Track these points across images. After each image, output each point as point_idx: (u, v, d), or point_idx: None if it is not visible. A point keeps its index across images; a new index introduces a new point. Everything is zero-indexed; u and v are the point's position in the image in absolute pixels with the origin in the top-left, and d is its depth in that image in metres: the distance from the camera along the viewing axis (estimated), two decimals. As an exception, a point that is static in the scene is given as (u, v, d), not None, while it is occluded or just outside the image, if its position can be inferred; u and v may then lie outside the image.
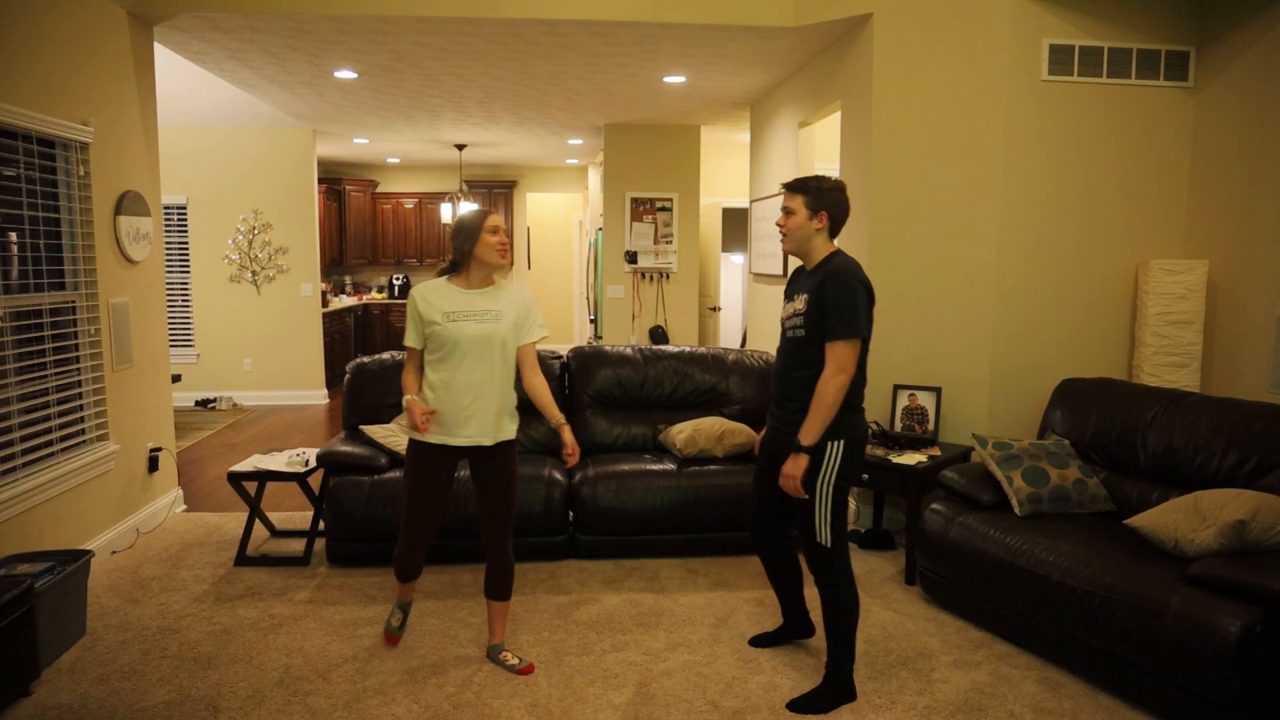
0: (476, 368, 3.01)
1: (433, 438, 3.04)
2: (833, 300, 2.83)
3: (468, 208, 10.40)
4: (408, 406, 3.01)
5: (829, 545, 2.88)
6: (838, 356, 2.80)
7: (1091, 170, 4.55)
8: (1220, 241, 4.42)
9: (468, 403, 3.02)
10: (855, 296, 2.83)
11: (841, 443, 2.85)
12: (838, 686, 2.95)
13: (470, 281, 3.07)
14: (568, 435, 3.13)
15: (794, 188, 2.95)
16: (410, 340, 3.09)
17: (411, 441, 3.11)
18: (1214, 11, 4.42)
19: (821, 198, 2.92)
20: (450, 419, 3.03)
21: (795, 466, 2.83)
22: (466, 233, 3.03)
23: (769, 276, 6.49)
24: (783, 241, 3.01)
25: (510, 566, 3.19)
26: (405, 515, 3.16)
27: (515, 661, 3.18)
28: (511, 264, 3.45)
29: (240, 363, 8.70)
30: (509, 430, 3.13)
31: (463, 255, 3.04)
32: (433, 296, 3.04)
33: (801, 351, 2.92)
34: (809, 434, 2.81)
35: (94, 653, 3.29)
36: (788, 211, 2.96)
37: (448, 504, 3.25)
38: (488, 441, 3.06)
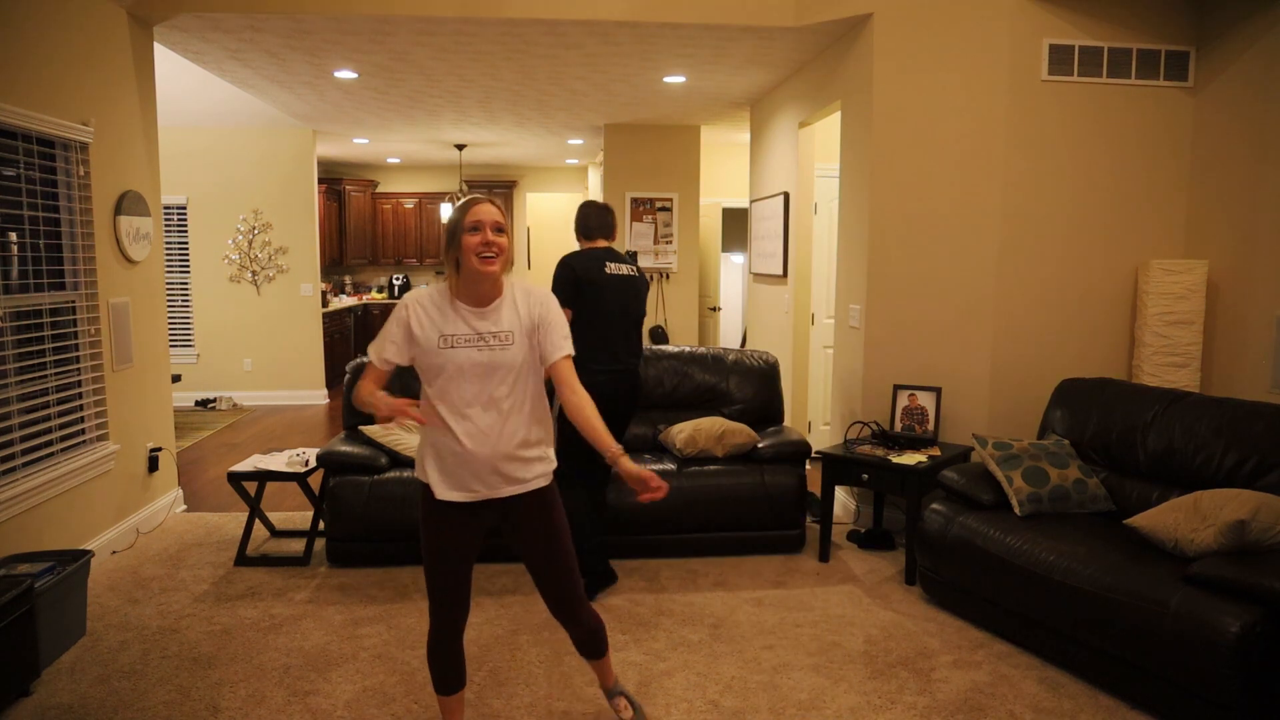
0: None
1: (445, 491, 2.38)
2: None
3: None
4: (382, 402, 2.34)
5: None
6: None
7: (1091, 170, 4.55)
8: (1220, 241, 4.42)
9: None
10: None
11: None
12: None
13: (464, 295, 2.36)
14: (628, 466, 2.32)
15: None
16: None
17: (423, 487, 2.43)
18: (1214, 11, 4.42)
19: None
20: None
21: None
22: (449, 231, 2.35)
23: (769, 276, 6.49)
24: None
25: (596, 629, 2.60)
26: (430, 595, 2.45)
27: (630, 715, 2.76)
28: (505, 268, 2.47)
29: (240, 363, 8.70)
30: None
31: (449, 262, 2.36)
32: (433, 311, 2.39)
33: None
34: None
35: (94, 653, 3.29)
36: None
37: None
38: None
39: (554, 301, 2.45)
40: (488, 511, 2.42)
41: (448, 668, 2.48)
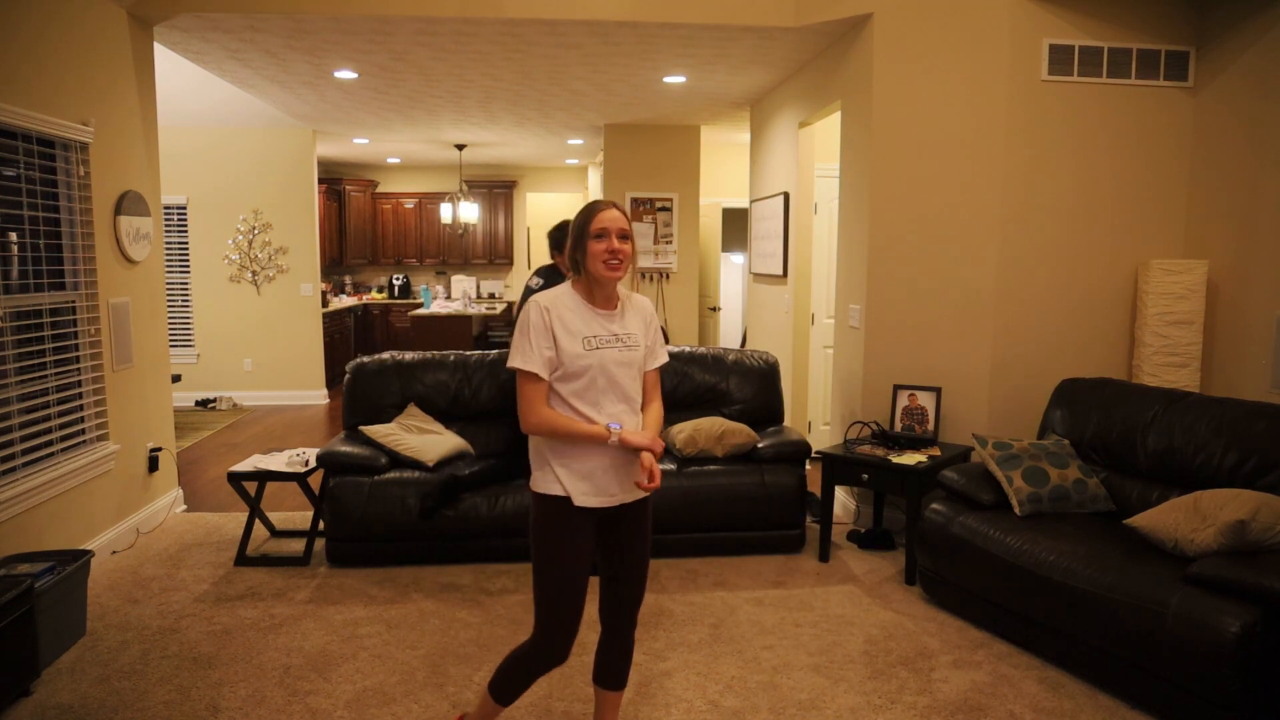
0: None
1: (585, 498, 2.31)
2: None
3: (467, 207, 10.47)
4: (626, 438, 2.29)
5: None
6: None
7: (1091, 170, 4.55)
8: (1220, 241, 4.42)
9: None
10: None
11: None
12: None
13: (594, 298, 2.36)
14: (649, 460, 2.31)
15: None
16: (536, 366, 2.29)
17: (549, 501, 2.31)
18: (1214, 11, 4.42)
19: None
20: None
21: None
22: (575, 235, 2.35)
23: (769, 276, 6.49)
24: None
25: (631, 649, 2.53)
26: (551, 605, 2.31)
27: None
28: (624, 275, 2.39)
29: (240, 363, 8.70)
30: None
31: (576, 265, 2.35)
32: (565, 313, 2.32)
33: None
34: None
35: (94, 653, 3.29)
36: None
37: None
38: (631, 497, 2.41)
39: (654, 311, 2.52)
40: (604, 518, 2.39)
41: (526, 687, 2.41)
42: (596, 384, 2.30)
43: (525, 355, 2.27)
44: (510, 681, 2.40)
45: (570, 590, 2.30)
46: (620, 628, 2.47)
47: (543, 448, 2.34)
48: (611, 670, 2.51)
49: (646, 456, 2.29)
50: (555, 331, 2.28)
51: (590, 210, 2.33)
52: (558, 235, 4.40)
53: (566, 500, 2.29)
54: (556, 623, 2.31)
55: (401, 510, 4.11)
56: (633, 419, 2.37)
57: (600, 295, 2.36)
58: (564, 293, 2.35)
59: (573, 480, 2.30)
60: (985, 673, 3.18)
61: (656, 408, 2.47)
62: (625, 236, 2.31)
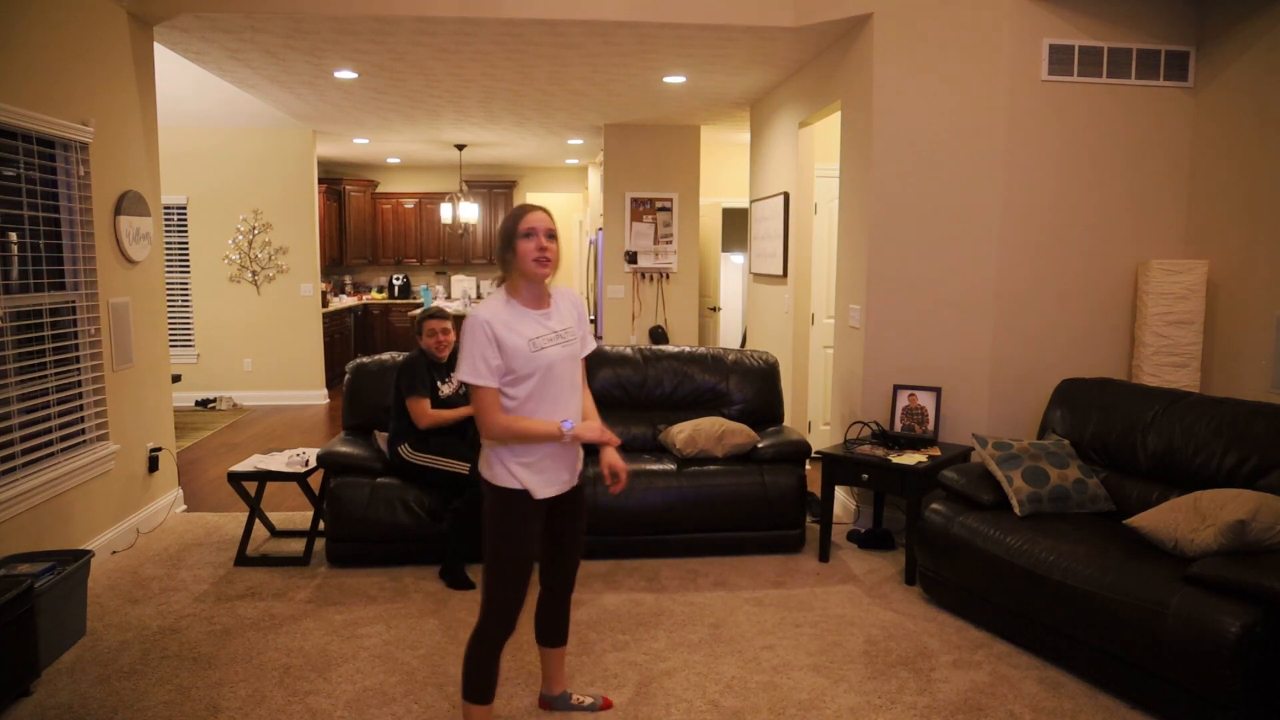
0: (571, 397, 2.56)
1: (544, 490, 2.50)
2: None
3: (467, 207, 10.47)
4: (579, 434, 2.49)
5: None
6: None
7: (1091, 170, 4.54)
8: (1220, 241, 4.42)
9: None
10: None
11: None
12: None
13: (526, 299, 2.49)
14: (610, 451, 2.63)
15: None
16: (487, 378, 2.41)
17: (508, 494, 2.47)
18: (1214, 11, 4.42)
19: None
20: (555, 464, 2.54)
21: None
22: (503, 237, 2.48)
23: (769, 276, 6.49)
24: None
25: (569, 607, 2.82)
26: (504, 590, 2.47)
27: (591, 700, 2.89)
28: (552, 273, 2.58)
29: (240, 363, 8.70)
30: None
31: (505, 265, 2.48)
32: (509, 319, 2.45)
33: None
34: None
35: (94, 653, 3.29)
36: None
37: None
38: (576, 481, 2.64)
39: (581, 297, 2.65)
40: (553, 504, 2.58)
41: (495, 673, 2.51)
42: (547, 381, 2.46)
43: (474, 368, 2.39)
44: (478, 673, 2.48)
45: (525, 571, 2.49)
46: (563, 589, 2.75)
47: (496, 446, 2.48)
48: (558, 628, 2.79)
49: (611, 458, 2.61)
50: (500, 340, 2.39)
51: (518, 213, 2.46)
52: None
53: (525, 493, 2.47)
54: (511, 600, 2.47)
55: (401, 511, 4.12)
56: (580, 414, 2.59)
57: (531, 295, 2.49)
58: (499, 303, 2.46)
59: (528, 475, 2.47)
60: (985, 673, 3.18)
61: (588, 395, 2.70)
62: (552, 236, 2.46)
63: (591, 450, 2.84)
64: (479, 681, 2.47)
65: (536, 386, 2.44)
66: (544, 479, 2.49)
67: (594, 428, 2.53)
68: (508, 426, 2.41)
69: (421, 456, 4.12)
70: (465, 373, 2.39)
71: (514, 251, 2.43)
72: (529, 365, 2.41)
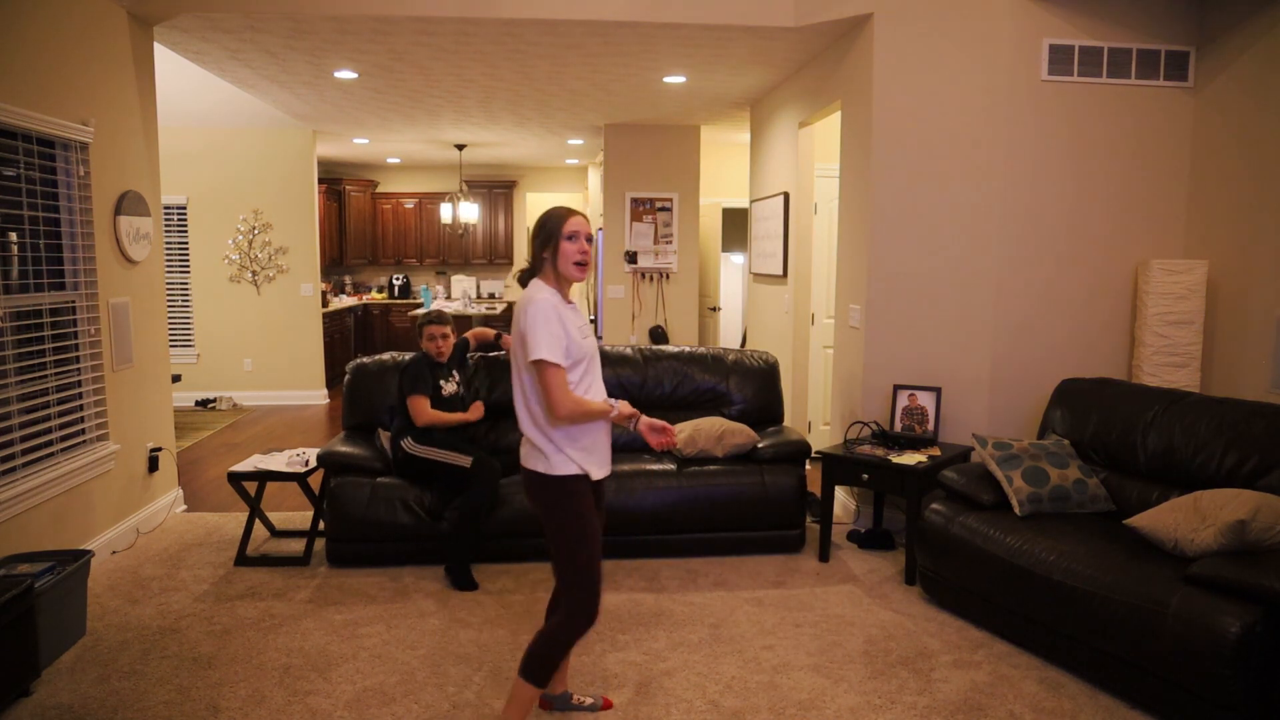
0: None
1: (599, 471, 2.63)
2: None
3: (467, 207, 10.47)
4: (623, 410, 2.60)
5: None
6: None
7: (1091, 170, 4.54)
8: (1220, 241, 4.42)
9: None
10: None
11: None
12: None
13: (564, 295, 2.62)
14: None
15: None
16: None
17: (570, 480, 2.53)
18: (1214, 11, 4.42)
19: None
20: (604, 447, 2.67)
21: None
22: (545, 235, 2.58)
23: (769, 276, 6.49)
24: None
25: None
26: (587, 574, 2.52)
27: (591, 700, 2.94)
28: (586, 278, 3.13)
29: (240, 363, 8.70)
30: None
31: (539, 262, 2.60)
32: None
33: None
34: None
35: (94, 653, 3.29)
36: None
37: None
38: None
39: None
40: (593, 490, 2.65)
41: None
42: (590, 367, 2.59)
43: (552, 347, 2.44)
44: (550, 658, 2.54)
45: (599, 550, 2.55)
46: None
47: (550, 434, 2.52)
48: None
49: (647, 420, 2.63)
50: (565, 324, 2.50)
51: (562, 213, 2.57)
52: None
53: (584, 476, 2.54)
54: (592, 589, 2.52)
55: (402, 510, 4.12)
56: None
57: (565, 292, 2.61)
58: (550, 292, 2.54)
59: (585, 457, 2.55)
60: (985, 673, 3.18)
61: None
62: (591, 241, 2.59)
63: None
64: (547, 666, 2.54)
65: (584, 371, 2.55)
66: (597, 459, 2.59)
67: (624, 405, 2.64)
68: (578, 402, 2.49)
69: (425, 449, 4.13)
70: (545, 351, 2.43)
71: (556, 251, 2.53)
72: (579, 351, 2.52)
